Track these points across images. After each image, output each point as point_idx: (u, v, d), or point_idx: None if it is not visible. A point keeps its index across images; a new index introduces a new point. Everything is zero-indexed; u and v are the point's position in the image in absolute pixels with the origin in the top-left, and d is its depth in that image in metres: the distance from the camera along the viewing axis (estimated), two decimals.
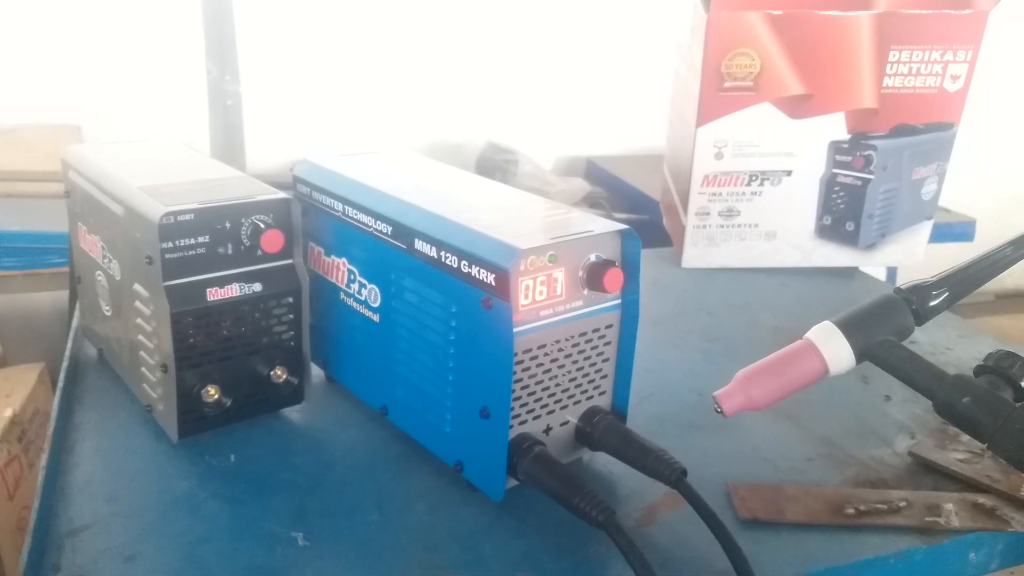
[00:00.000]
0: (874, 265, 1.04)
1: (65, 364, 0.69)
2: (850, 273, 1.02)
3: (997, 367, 0.55)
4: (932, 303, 0.58)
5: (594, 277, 0.53)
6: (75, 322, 0.77)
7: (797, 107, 0.94)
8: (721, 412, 0.57)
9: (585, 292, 0.54)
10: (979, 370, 0.56)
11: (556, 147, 1.90)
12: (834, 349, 0.56)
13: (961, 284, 0.59)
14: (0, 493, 1.04)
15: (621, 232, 0.55)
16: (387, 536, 0.52)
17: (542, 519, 0.54)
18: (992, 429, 0.50)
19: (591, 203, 1.63)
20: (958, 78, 0.92)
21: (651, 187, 1.46)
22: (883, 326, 0.57)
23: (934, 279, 0.59)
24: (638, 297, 0.56)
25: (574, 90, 1.88)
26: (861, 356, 0.56)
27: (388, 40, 1.73)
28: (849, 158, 0.95)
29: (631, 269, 0.55)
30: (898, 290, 0.59)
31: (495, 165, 1.69)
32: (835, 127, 0.94)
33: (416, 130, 1.81)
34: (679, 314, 0.88)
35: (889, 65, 0.91)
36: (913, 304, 0.58)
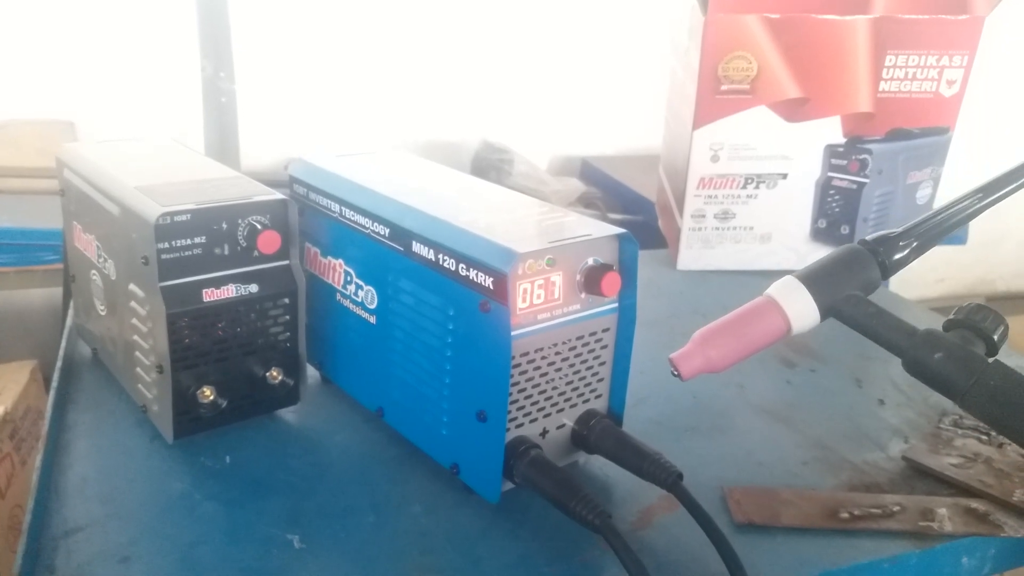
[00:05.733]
0: None
1: (59, 363, 0.69)
2: None
3: (968, 320, 0.51)
4: (899, 255, 0.54)
5: (592, 281, 0.53)
6: (69, 321, 0.76)
7: (793, 111, 0.94)
8: (678, 375, 0.54)
9: (582, 296, 0.54)
10: (949, 324, 0.52)
11: (551, 146, 1.90)
12: (797, 305, 0.53)
13: (929, 233, 0.55)
14: None
15: (619, 236, 0.55)
16: (383, 538, 0.52)
17: (538, 522, 0.54)
18: (965, 386, 0.48)
19: (586, 203, 1.62)
20: (954, 83, 0.93)
21: (646, 188, 1.46)
22: (848, 280, 0.53)
23: (900, 229, 0.55)
24: (635, 301, 0.56)
25: (570, 89, 1.88)
26: (826, 312, 0.53)
27: (383, 38, 1.73)
28: (845, 162, 0.95)
29: (628, 273, 0.55)
30: (863, 242, 0.55)
31: (490, 164, 1.69)
32: (831, 131, 0.95)
33: (411, 129, 1.80)
34: (674, 316, 0.88)
35: (885, 70, 0.92)
36: (879, 256, 0.54)
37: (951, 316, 0.53)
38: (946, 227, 0.56)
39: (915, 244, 0.55)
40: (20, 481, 1.11)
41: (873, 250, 0.54)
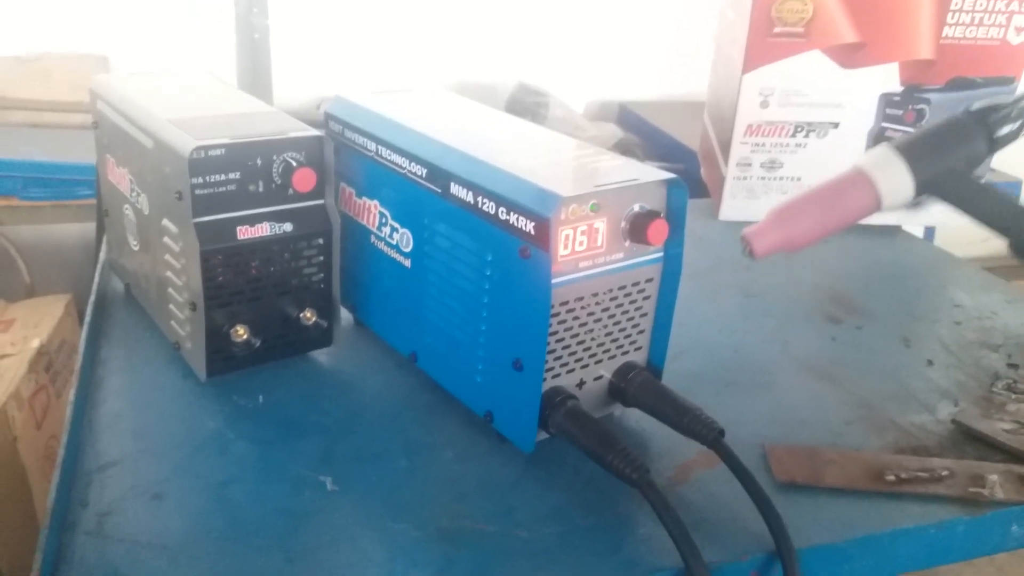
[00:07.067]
0: (918, 224, 1.01)
1: (92, 298, 0.68)
2: (893, 231, 0.98)
3: None
4: (1008, 127, 0.49)
5: (638, 228, 0.51)
6: (102, 256, 0.76)
7: (849, 56, 0.89)
8: (751, 254, 0.50)
9: (627, 244, 0.52)
10: None
11: (588, 90, 1.85)
12: (891, 177, 0.48)
13: None
14: (28, 422, 1.05)
15: (667, 181, 0.52)
16: (415, 484, 0.52)
17: (572, 474, 0.53)
18: None
19: (623, 150, 1.59)
20: (1023, 30, 0.87)
21: (687, 135, 1.42)
22: (951, 152, 0.49)
23: (1013, 98, 0.50)
24: (682, 251, 0.54)
25: (609, 30, 1.82)
26: (922, 187, 0.49)
27: None
28: (900, 112, 0.91)
29: (676, 221, 0.52)
30: (969, 112, 0.50)
31: (525, 108, 1.65)
32: (888, 78, 0.90)
33: (445, 69, 1.76)
34: (715, 268, 0.86)
35: (950, 14, 0.87)
36: (988, 127, 0.49)
37: None
38: None
39: None
40: (56, 413, 1.13)
41: (980, 120, 0.50)
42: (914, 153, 0.49)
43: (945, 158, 0.49)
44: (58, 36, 1.51)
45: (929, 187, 0.49)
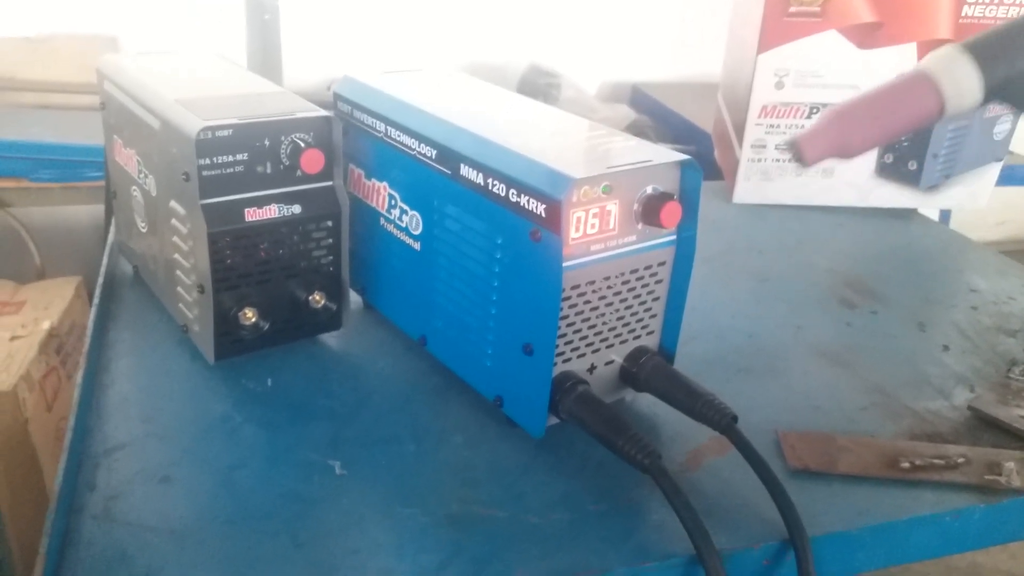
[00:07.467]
0: (934, 207, 0.99)
1: (100, 281, 0.68)
2: (908, 215, 0.97)
3: None
4: None
5: (650, 211, 0.50)
6: (110, 238, 0.75)
7: (866, 36, 0.88)
8: (801, 160, 0.47)
9: (639, 227, 0.51)
10: None
11: (601, 71, 1.83)
12: (957, 81, 0.44)
13: None
14: (39, 404, 1.06)
15: (681, 163, 0.51)
16: (424, 468, 0.51)
17: (582, 459, 0.53)
18: None
19: (636, 132, 1.56)
20: None
21: (700, 117, 1.41)
22: None
23: None
24: (695, 233, 0.53)
25: (621, 11, 1.80)
26: (992, 91, 0.45)
27: None
28: None
29: (690, 203, 0.52)
30: None
31: (537, 88, 1.64)
32: (905, 59, 0.88)
33: (456, 50, 1.75)
34: (728, 251, 0.85)
35: None
36: None
37: None
38: None
39: None
40: (66, 395, 1.13)
41: None
42: (985, 53, 0.45)
43: (1019, 59, 0.44)
44: (67, 17, 1.50)
45: (999, 92, 0.45)
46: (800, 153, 0.46)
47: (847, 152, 0.46)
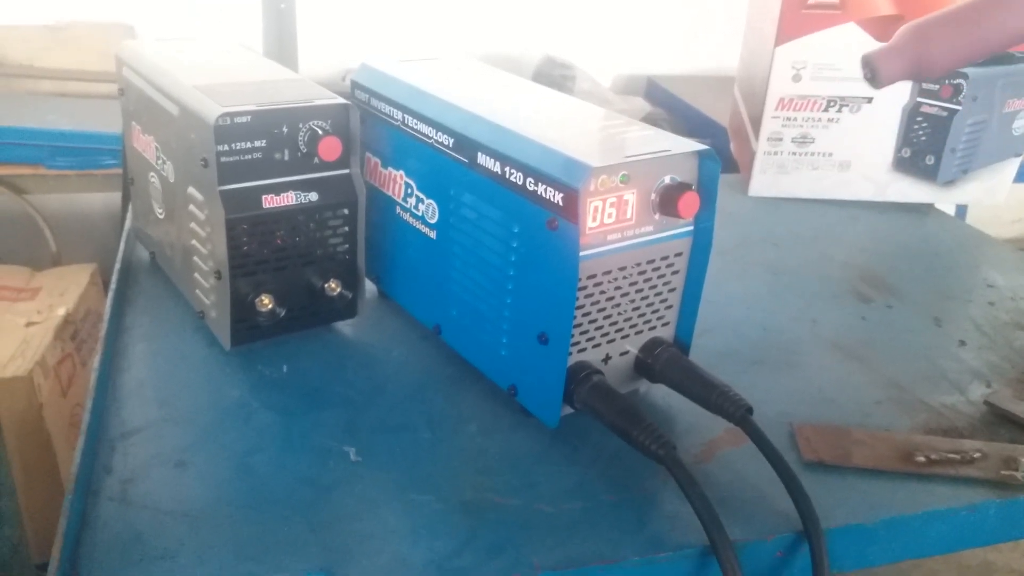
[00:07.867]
0: (951, 203, 0.98)
1: (117, 266, 0.68)
2: (925, 210, 0.96)
3: None
4: None
5: (668, 201, 0.50)
6: (127, 224, 0.76)
7: (884, 29, 0.87)
8: (875, 79, 0.42)
9: (656, 217, 0.51)
10: None
11: (616, 64, 1.83)
12: None
13: None
14: (54, 390, 1.07)
15: (699, 153, 0.51)
16: (439, 456, 0.51)
17: (596, 449, 0.53)
18: None
19: (651, 124, 1.56)
20: None
21: (716, 110, 1.40)
22: None
23: None
24: (712, 224, 0.52)
25: (636, 2, 1.79)
26: None
27: None
28: (937, 86, 0.89)
29: (708, 194, 0.51)
30: None
31: (551, 80, 1.63)
32: None
33: (471, 41, 1.75)
34: (744, 244, 0.84)
35: None
36: None
37: None
38: None
39: None
40: (81, 381, 1.14)
41: None
42: None
43: None
44: (86, 5, 1.50)
45: None
46: (874, 71, 0.42)
47: (927, 69, 0.42)
